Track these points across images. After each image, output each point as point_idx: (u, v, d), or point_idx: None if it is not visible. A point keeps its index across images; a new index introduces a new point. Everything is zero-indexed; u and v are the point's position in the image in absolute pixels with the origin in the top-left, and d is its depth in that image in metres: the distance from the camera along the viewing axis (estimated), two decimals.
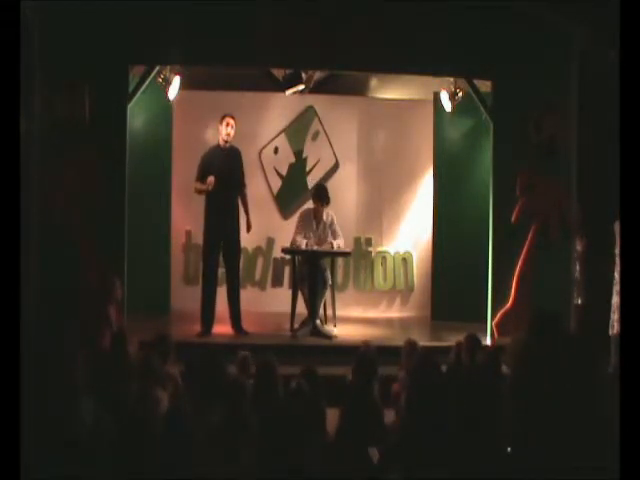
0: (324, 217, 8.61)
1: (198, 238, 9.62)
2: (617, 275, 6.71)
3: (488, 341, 8.11)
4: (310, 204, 8.80)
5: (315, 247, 8.47)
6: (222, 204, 8.13)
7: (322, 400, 4.85)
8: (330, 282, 8.57)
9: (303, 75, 9.04)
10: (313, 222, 8.60)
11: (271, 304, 9.63)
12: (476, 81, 8.55)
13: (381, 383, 5.35)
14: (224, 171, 8.13)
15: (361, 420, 4.71)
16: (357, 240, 10.03)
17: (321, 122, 10.07)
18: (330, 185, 9.80)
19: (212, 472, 3.94)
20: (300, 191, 9.80)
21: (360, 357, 5.35)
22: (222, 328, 8.36)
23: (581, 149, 8.05)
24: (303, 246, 8.44)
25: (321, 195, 8.54)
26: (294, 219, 9.06)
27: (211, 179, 7.96)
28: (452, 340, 6.30)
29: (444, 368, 5.27)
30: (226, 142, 8.21)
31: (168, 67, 8.85)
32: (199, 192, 8.20)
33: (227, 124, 8.15)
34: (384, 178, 10.07)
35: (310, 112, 10.07)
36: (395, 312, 10.08)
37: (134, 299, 7.87)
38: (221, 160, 8.17)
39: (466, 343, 5.77)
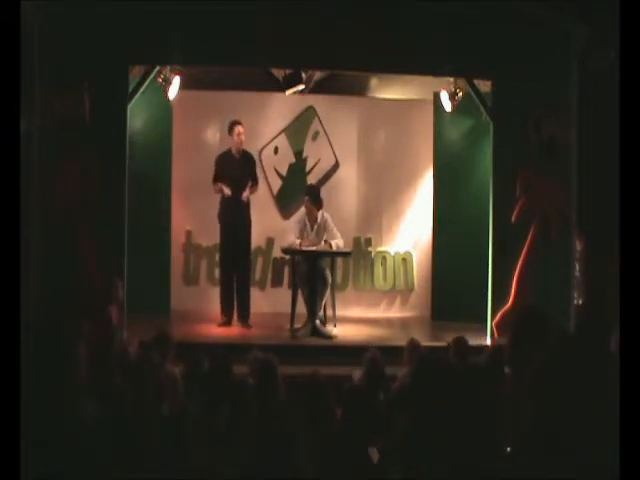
0: (319, 219, 8.64)
1: (198, 238, 9.71)
2: (617, 275, 6.70)
3: (488, 341, 8.12)
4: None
5: (312, 247, 8.51)
6: (235, 207, 8.59)
7: (327, 401, 4.83)
8: (330, 281, 8.59)
9: (303, 75, 9.05)
10: (308, 224, 8.64)
11: (271, 304, 9.63)
12: (476, 81, 8.56)
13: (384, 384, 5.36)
14: (237, 177, 8.63)
15: (363, 421, 4.70)
16: (357, 240, 10.03)
17: (321, 122, 10.07)
18: (330, 185, 9.84)
19: (213, 472, 3.94)
20: (300, 191, 9.74)
21: (370, 363, 5.36)
22: (224, 328, 8.46)
23: (581, 149, 8.05)
24: (299, 247, 8.50)
25: (314, 198, 8.65)
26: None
27: (227, 191, 8.54)
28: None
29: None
30: (238, 150, 8.72)
31: (168, 67, 8.86)
32: (217, 192, 8.68)
33: (238, 133, 8.65)
34: (384, 178, 10.08)
35: (310, 112, 10.07)
36: (395, 312, 10.08)
37: (134, 299, 7.88)
38: (234, 167, 8.67)
39: (454, 345, 5.75)
